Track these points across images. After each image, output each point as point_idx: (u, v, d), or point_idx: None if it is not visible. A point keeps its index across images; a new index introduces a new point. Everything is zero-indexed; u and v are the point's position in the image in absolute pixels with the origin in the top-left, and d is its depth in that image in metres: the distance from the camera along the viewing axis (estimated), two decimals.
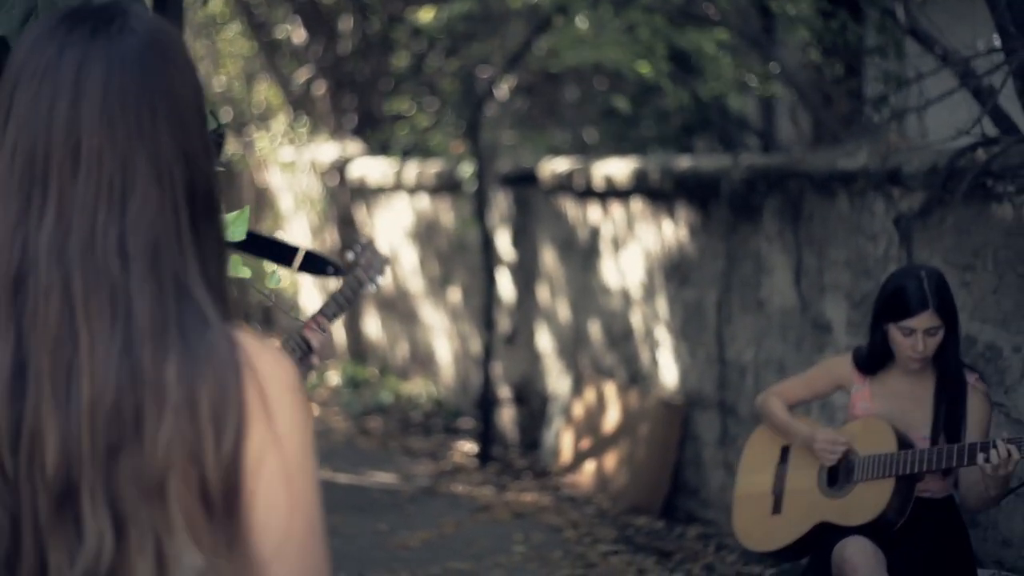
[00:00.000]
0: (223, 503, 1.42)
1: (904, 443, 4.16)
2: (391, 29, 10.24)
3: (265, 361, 1.45)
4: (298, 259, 3.94)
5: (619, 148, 8.31)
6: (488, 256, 7.66)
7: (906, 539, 4.15)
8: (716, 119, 7.94)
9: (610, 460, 6.97)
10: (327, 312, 3.88)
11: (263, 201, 12.34)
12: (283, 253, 3.99)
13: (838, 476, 4.31)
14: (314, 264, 3.95)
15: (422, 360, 9.54)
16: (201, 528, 1.42)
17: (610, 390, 7.09)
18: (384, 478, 7.67)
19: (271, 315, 12.64)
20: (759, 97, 7.73)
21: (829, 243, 5.54)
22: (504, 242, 8.10)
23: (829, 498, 4.31)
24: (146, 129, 1.48)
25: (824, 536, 4.24)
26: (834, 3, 6.59)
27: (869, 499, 4.19)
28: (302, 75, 11.01)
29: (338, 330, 10.91)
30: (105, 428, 1.41)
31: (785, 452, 4.47)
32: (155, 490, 1.41)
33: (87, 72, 1.48)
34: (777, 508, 4.46)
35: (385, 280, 4.08)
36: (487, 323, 7.68)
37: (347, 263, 4.04)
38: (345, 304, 3.93)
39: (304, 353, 3.78)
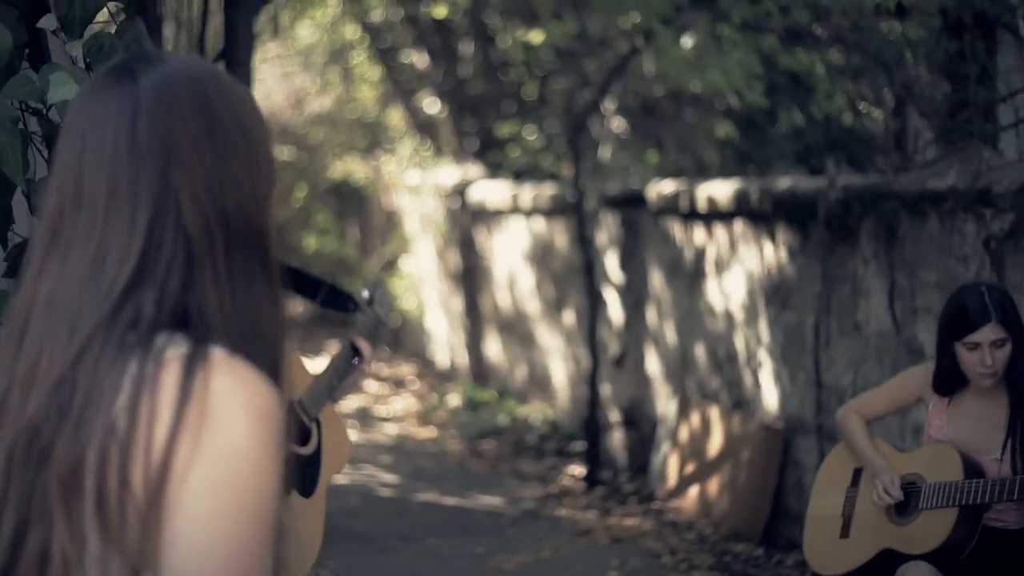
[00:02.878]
0: (146, 510, 1.42)
1: (972, 470, 4.04)
2: (511, 51, 10.28)
3: (224, 382, 1.45)
4: (322, 294, 3.99)
5: (742, 171, 8.21)
6: (591, 278, 7.61)
7: (974, 570, 4.02)
8: (843, 139, 7.79)
9: (713, 485, 6.87)
10: (365, 337, 3.93)
11: (391, 224, 12.46)
12: (308, 286, 4.05)
13: (907, 503, 4.21)
14: (337, 299, 4.00)
15: (539, 382, 9.52)
16: (124, 535, 1.43)
17: (714, 414, 6.99)
18: (490, 501, 7.66)
19: (400, 337, 12.74)
20: (890, 116, 7.57)
21: (921, 265, 5.39)
22: (612, 264, 8.05)
23: (895, 525, 4.25)
24: (150, 166, 1.52)
25: (888, 563, 4.15)
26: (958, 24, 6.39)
27: (932, 528, 4.11)
28: (424, 98, 11.09)
29: (460, 352, 10.95)
30: (31, 437, 1.47)
31: (858, 474, 4.39)
32: (71, 493, 1.44)
33: (98, 122, 1.53)
34: (845, 532, 4.39)
35: (391, 321, 4.14)
36: (592, 346, 7.63)
37: (367, 300, 4.08)
38: (371, 335, 3.98)
39: (354, 358, 3.84)
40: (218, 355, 1.48)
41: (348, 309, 4.04)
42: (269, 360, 1.55)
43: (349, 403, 10.74)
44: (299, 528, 3.70)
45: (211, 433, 1.43)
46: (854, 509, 4.38)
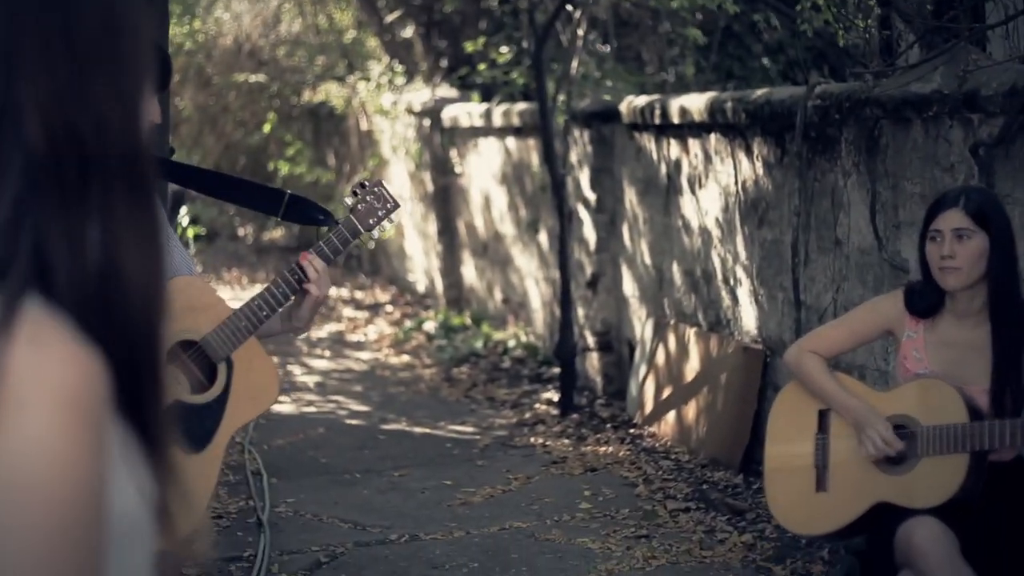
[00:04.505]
0: None
1: (974, 412, 3.66)
2: None
3: (28, 355, 1.14)
4: (283, 206, 3.67)
5: (724, 87, 7.87)
6: (560, 198, 7.28)
7: (977, 513, 3.64)
8: (828, 52, 7.45)
9: (690, 410, 6.59)
10: (320, 254, 3.62)
11: (367, 147, 12.11)
12: (269, 200, 3.72)
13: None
14: (302, 212, 3.68)
15: (515, 306, 9.22)
16: None
17: (691, 336, 6.70)
18: (461, 430, 7.39)
19: (377, 261, 12.44)
20: (875, 23, 7.19)
21: (904, 176, 5.06)
22: (585, 182, 7.72)
23: (888, 475, 3.79)
24: None
25: (884, 517, 3.73)
26: None
27: (938, 478, 3.67)
28: (396, 18, 10.71)
29: (436, 276, 10.65)
30: None
31: (824, 417, 3.98)
32: None
33: None
34: (822, 485, 3.93)
35: (389, 226, 3.79)
36: (563, 267, 7.31)
37: (345, 207, 3.75)
38: (337, 250, 3.66)
39: (299, 282, 3.53)
40: (31, 317, 1.16)
41: (317, 222, 3.73)
42: (134, 323, 1.23)
43: (322, 330, 10.45)
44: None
45: (6, 417, 1.13)
46: (828, 458, 3.92)
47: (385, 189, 3.78)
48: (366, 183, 3.80)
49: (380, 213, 3.75)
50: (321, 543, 5.54)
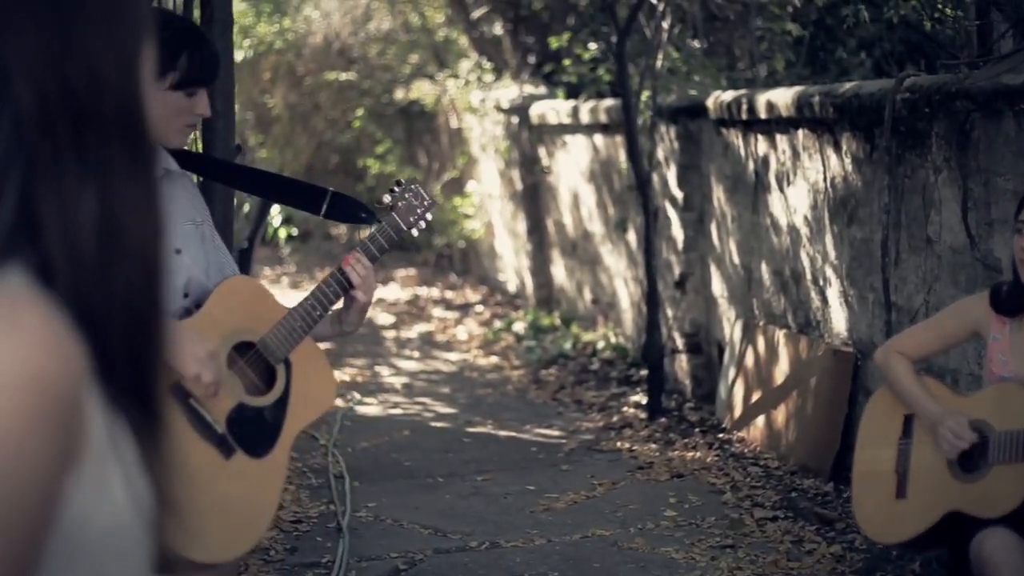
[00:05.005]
0: None
1: None
2: None
3: None
4: (325, 204, 3.58)
5: (816, 82, 7.66)
6: (645, 196, 7.13)
7: None
8: (922, 44, 7.23)
9: (779, 415, 6.41)
10: (366, 252, 3.53)
11: (456, 145, 12.04)
12: (313, 198, 3.64)
13: (972, 455, 3.66)
14: (345, 210, 3.60)
15: (604, 307, 9.09)
16: None
17: (780, 338, 6.52)
18: (547, 433, 7.27)
19: (468, 261, 12.36)
20: (971, 13, 6.96)
21: (997, 171, 4.85)
22: (672, 180, 7.57)
23: (961, 482, 3.65)
24: None
25: (958, 527, 3.58)
26: None
27: (1008, 486, 3.51)
28: (478, 13, 10.62)
29: (526, 276, 10.54)
30: None
31: (909, 423, 3.84)
32: None
33: None
34: (902, 491, 3.79)
35: (427, 223, 3.70)
36: (649, 267, 7.16)
37: (385, 206, 3.66)
38: (382, 248, 3.57)
39: (344, 289, 3.46)
40: (6, 290, 1.08)
41: (359, 220, 3.65)
42: (134, 286, 1.15)
43: (412, 330, 10.40)
44: (241, 495, 3.29)
45: None
46: (909, 464, 3.79)
47: (421, 187, 3.72)
48: (402, 181, 3.73)
49: (419, 211, 3.69)
50: (400, 549, 5.46)
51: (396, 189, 3.71)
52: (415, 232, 3.69)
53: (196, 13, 4.56)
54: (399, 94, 12.90)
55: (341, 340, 9.92)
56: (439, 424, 7.63)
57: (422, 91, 12.28)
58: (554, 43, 9.24)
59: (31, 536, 1.08)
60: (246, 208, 10.34)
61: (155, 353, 1.21)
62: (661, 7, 7.16)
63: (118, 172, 1.16)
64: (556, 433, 7.25)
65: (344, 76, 12.99)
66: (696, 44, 8.18)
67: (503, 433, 7.31)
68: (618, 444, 6.90)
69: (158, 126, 3.33)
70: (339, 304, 3.55)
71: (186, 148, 3.65)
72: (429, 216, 3.74)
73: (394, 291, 12.32)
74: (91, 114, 1.15)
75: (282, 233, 12.83)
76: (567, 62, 9.20)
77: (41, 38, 1.14)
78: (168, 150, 3.53)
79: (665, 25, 7.25)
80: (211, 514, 3.21)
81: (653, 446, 6.79)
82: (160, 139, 3.39)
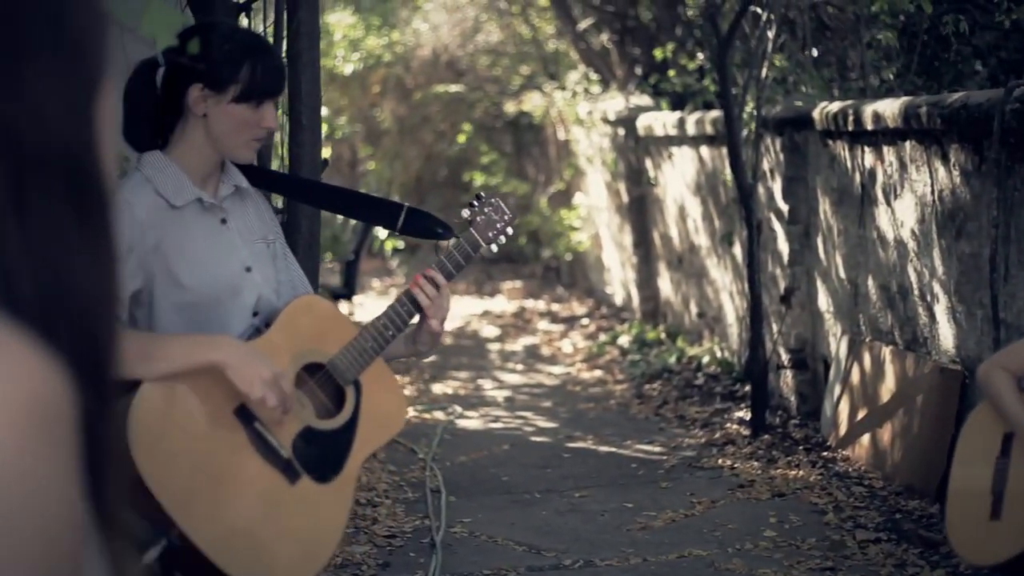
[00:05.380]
0: None
1: None
2: None
3: None
4: (401, 219, 3.52)
5: (928, 92, 7.45)
6: (748, 208, 6.99)
7: None
8: None
9: (885, 434, 6.24)
10: (442, 270, 3.46)
11: (563, 156, 11.97)
12: (388, 213, 3.58)
13: None
14: (421, 225, 3.53)
15: (710, 320, 8.95)
16: None
17: (887, 355, 6.34)
18: (648, 449, 7.16)
19: (575, 273, 12.28)
20: None
21: None
22: (777, 192, 7.42)
23: None
24: None
25: None
26: None
27: None
28: (585, 24, 10.54)
29: (632, 288, 10.44)
30: None
31: (1008, 441, 3.68)
32: None
33: None
34: (996, 512, 3.66)
35: (507, 238, 3.62)
36: (751, 280, 7.02)
37: (463, 221, 3.59)
38: (458, 265, 3.50)
39: (410, 312, 3.39)
40: None
41: (436, 236, 3.58)
42: (80, 347, 1.08)
43: (516, 343, 10.34)
44: (306, 521, 3.22)
45: None
46: (1006, 484, 3.65)
47: (501, 201, 3.63)
48: (482, 195, 3.65)
49: (499, 225, 3.60)
50: (493, 566, 5.39)
51: (475, 203, 3.63)
52: (494, 248, 3.61)
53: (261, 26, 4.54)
54: (508, 106, 12.86)
55: (439, 354, 9.93)
56: (539, 439, 7.55)
57: (531, 103, 12.23)
58: (659, 54, 9.13)
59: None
60: (352, 221, 10.37)
61: (106, 411, 1.13)
62: (766, 16, 7.01)
63: (62, 226, 1.07)
64: (657, 449, 7.14)
65: (453, 88, 12.98)
66: (805, 54, 8.02)
67: (603, 448, 7.22)
68: (720, 461, 6.76)
69: (223, 141, 3.29)
70: (415, 321, 3.48)
71: (267, 166, 3.61)
72: (510, 231, 3.66)
73: (501, 303, 12.28)
74: (33, 161, 1.06)
75: (389, 245, 12.85)
76: (672, 73, 9.09)
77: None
78: (239, 167, 3.49)
79: (770, 35, 7.10)
80: (274, 541, 3.16)
81: (755, 464, 6.65)
82: (227, 154, 3.34)
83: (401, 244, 13.36)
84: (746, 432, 7.15)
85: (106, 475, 1.13)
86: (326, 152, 13.09)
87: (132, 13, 2.50)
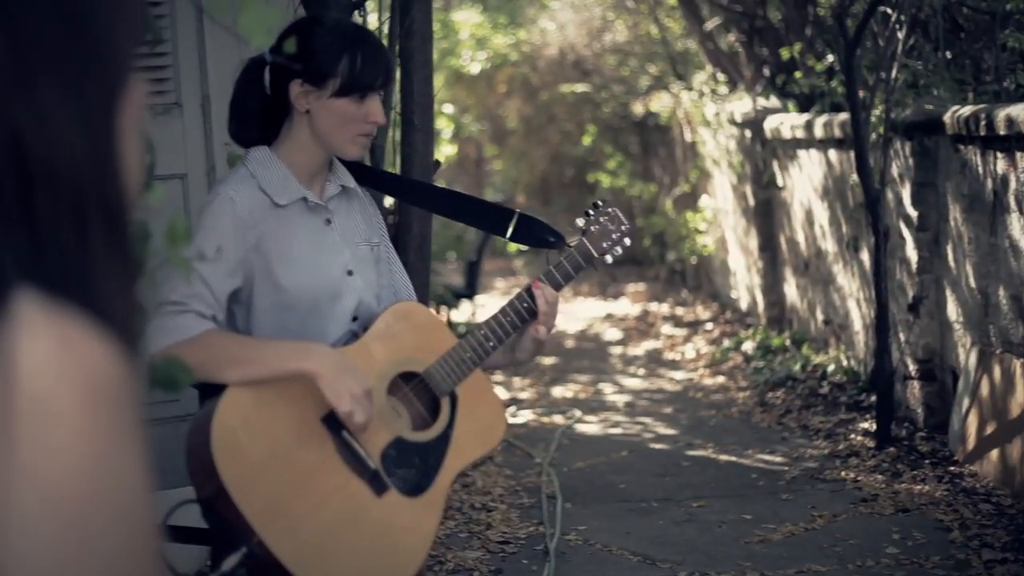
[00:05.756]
0: None
1: None
2: None
3: (41, 346, 0.93)
4: (511, 226, 3.43)
5: None
6: (875, 214, 6.80)
7: None
8: None
9: (1015, 450, 6.02)
10: (551, 280, 3.37)
11: (689, 158, 11.82)
12: (498, 219, 3.50)
13: None
14: (532, 233, 3.44)
15: (836, 328, 8.74)
16: None
17: (1017, 368, 6.12)
18: (769, 459, 7.00)
19: (700, 277, 12.12)
20: None
21: None
22: (906, 198, 7.21)
23: None
24: None
25: None
26: None
27: None
28: (712, 24, 10.37)
29: (757, 294, 10.25)
30: None
31: None
32: None
33: None
34: None
35: (623, 250, 3.50)
36: (878, 288, 6.83)
37: (577, 229, 3.49)
38: (568, 275, 3.40)
39: (528, 312, 3.29)
40: (28, 305, 0.95)
41: (547, 244, 3.49)
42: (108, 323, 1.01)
43: (639, 347, 10.22)
44: (391, 535, 3.14)
45: (29, 428, 0.92)
46: None
47: (618, 211, 3.51)
48: (599, 203, 3.54)
49: (614, 236, 3.48)
50: None
51: (591, 212, 3.53)
52: (608, 259, 3.50)
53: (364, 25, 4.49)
54: (634, 107, 12.74)
55: (560, 357, 9.85)
56: (658, 445, 7.43)
57: (658, 104, 12.09)
58: (785, 54, 8.94)
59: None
60: None
61: None
62: (895, 17, 6.81)
63: (71, 245, 0.99)
64: (778, 459, 6.98)
65: (579, 88, 12.88)
66: (937, 56, 7.79)
67: (723, 457, 7.08)
68: (842, 474, 6.59)
69: (328, 137, 3.23)
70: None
71: (375, 166, 3.55)
72: (627, 242, 3.54)
73: (624, 306, 12.17)
74: (40, 176, 0.97)
75: (512, 246, 12.80)
76: (799, 74, 8.90)
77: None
78: (348, 167, 3.44)
79: (900, 36, 6.90)
80: (357, 554, 3.09)
81: (879, 477, 6.46)
82: (333, 150, 3.28)
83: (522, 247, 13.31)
84: (871, 444, 6.96)
85: None
86: (452, 151, 13.12)
87: (228, 10, 2.45)
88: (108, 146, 1.01)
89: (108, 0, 1.02)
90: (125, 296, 1.02)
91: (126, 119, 1.04)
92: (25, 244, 0.97)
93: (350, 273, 3.29)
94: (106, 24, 1.01)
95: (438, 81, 12.45)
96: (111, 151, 1.01)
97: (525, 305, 3.33)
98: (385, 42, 4.45)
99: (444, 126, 11.85)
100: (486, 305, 11.03)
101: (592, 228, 3.47)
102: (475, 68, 13.45)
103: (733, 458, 7.05)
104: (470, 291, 10.10)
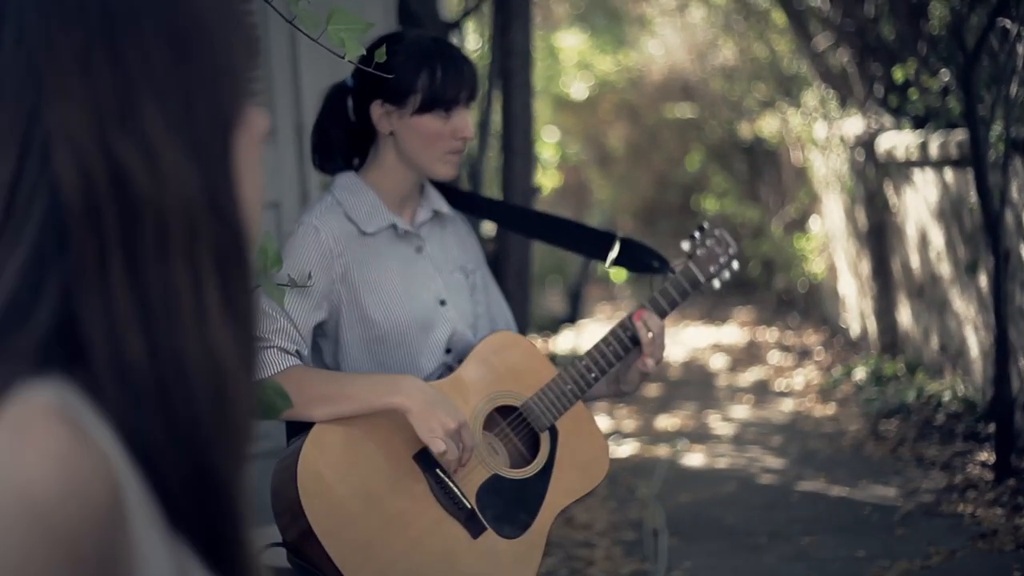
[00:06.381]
0: None
1: None
2: None
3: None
4: (614, 251, 3.27)
5: None
6: (996, 236, 6.53)
7: None
8: None
9: None
10: (655, 307, 3.19)
11: (800, 181, 11.57)
12: (599, 243, 3.33)
13: None
14: (634, 257, 3.26)
15: (953, 355, 8.44)
16: None
17: None
18: (883, 493, 6.74)
19: (810, 302, 11.85)
20: None
21: None
22: None
23: None
24: (9, 98, 0.89)
25: None
26: None
27: None
28: (822, 42, 10.13)
29: (869, 319, 9.97)
30: None
31: None
32: None
33: None
34: None
35: (732, 273, 3.31)
36: (998, 313, 6.55)
37: (683, 253, 3.31)
38: (674, 302, 3.21)
39: (626, 349, 3.12)
40: (30, 400, 0.86)
41: (651, 269, 3.31)
42: (198, 424, 0.91)
43: (746, 375, 9.99)
44: None
45: None
46: None
47: (725, 232, 3.32)
48: (704, 225, 3.35)
49: (722, 259, 3.30)
50: None
51: (696, 235, 3.35)
52: (716, 284, 3.32)
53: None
54: (742, 129, 12.51)
55: (665, 386, 9.64)
56: (767, 478, 7.20)
57: (766, 126, 11.85)
58: (899, 74, 8.67)
59: None
60: None
61: (226, 502, 0.94)
62: (1016, 31, 6.54)
63: (180, 289, 0.90)
64: (892, 493, 6.71)
65: (686, 113, 12.68)
66: None
67: (835, 491, 6.83)
68: (960, 508, 6.31)
69: (415, 158, 3.08)
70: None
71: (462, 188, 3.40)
72: (735, 266, 3.36)
73: (731, 333, 11.92)
74: (147, 210, 0.89)
75: (617, 273, 12.63)
76: (913, 93, 8.63)
77: (94, 113, 0.88)
78: (443, 191, 3.29)
79: (1021, 50, 6.63)
80: None
81: (999, 511, 6.18)
82: (423, 171, 3.12)
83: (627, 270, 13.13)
84: (989, 476, 6.66)
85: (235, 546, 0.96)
86: (556, 178, 12.98)
87: (318, 25, 2.34)
88: (224, 180, 0.91)
89: (218, 19, 0.93)
90: (241, 349, 0.92)
91: (243, 149, 0.96)
92: (124, 296, 0.86)
93: (443, 303, 3.14)
94: (217, 46, 0.92)
95: (542, 107, 12.35)
96: (227, 186, 0.92)
97: (629, 334, 3.16)
98: (484, 62, 4.31)
99: (549, 154, 11.73)
100: (589, 330, 10.86)
101: (698, 251, 3.29)
102: (579, 93, 13.31)
103: (845, 491, 6.80)
104: (572, 317, 9.94)
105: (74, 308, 0.86)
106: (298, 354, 2.96)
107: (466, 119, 3.07)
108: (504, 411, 3.11)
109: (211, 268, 0.91)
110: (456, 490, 2.94)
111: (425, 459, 2.94)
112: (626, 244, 3.30)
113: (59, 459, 0.84)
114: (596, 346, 3.17)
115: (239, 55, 0.96)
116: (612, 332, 3.18)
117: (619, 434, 8.35)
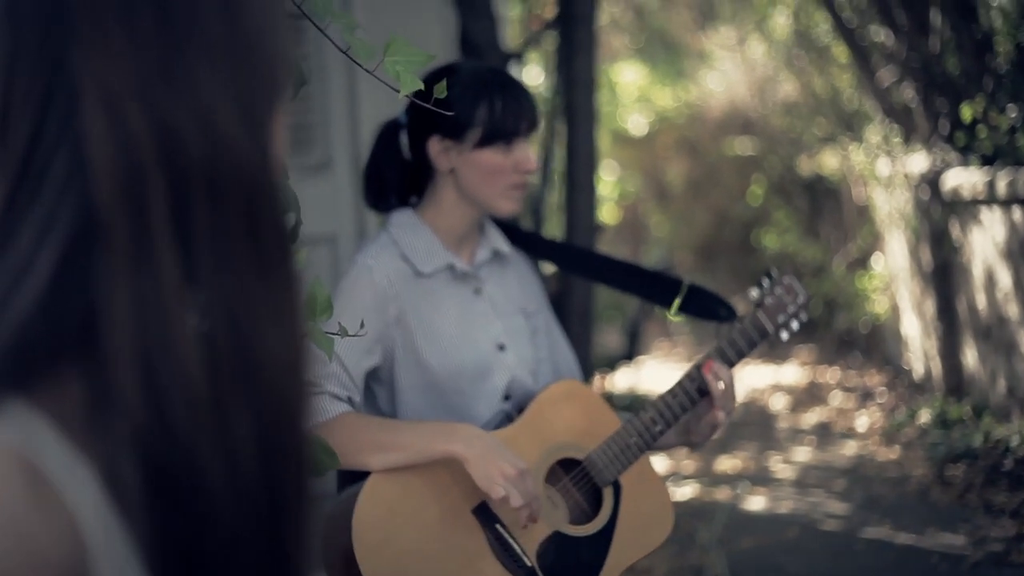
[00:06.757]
0: None
1: None
2: (992, 19, 8.96)
3: None
4: (679, 298, 3.13)
5: None
6: None
7: None
8: None
9: None
10: (722, 357, 3.05)
11: (862, 219, 11.38)
12: (664, 289, 3.19)
13: None
14: (701, 304, 3.12)
15: (1021, 397, 8.22)
16: None
17: None
18: (950, 541, 6.53)
19: (873, 343, 11.63)
20: None
21: None
22: None
23: None
24: (32, 42, 0.80)
25: None
26: None
27: None
28: (886, 77, 9.96)
29: (934, 361, 9.75)
30: None
31: None
32: None
33: None
34: None
35: (801, 324, 3.16)
36: None
37: (751, 301, 3.17)
38: (742, 353, 3.07)
39: (693, 400, 2.98)
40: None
41: (718, 318, 3.17)
42: (262, 440, 0.81)
43: (807, 417, 9.80)
44: None
45: None
46: None
47: (794, 280, 3.18)
48: (773, 273, 3.21)
49: (790, 309, 3.15)
50: None
51: (765, 283, 3.21)
52: (784, 335, 3.17)
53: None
54: (803, 165, 12.33)
55: (728, 428, 9.45)
56: (830, 524, 7.01)
57: (827, 162, 11.68)
58: (967, 113, 8.49)
59: None
60: None
61: (293, 545, 0.84)
62: None
63: (239, 263, 0.79)
64: (960, 541, 6.51)
65: (744, 149, 12.53)
66: None
67: (901, 538, 6.63)
68: None
69: (477, 194, 2.95)
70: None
71: (523, 227, 3.27)
72: (804, 316, 3.21)
73: (791, 372, 11.73)
74: (200, 175, 0.77)
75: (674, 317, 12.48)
76: (981, 130, 8.44)
77: (134, 66, 0.77)
78: (504, 229, 3.17)
79: None
80: None
81: None
82: (485, 207, 2.99)
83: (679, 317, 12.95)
84: None
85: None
86: (614, 214, 12.84)
87: (373, 56, 2.22)
88: (268, 153, 0.82)
89: (262, 1, 0.85)
90: (294, 356, 0.83)
91: (280, 129, 0.87)
92: (172, 280, 0.74)
93: (502, 348, 3.01)
94: (264, 25, 0.84)
95: (601, 143, 12.23)
96: (270, 160, 0.82)
97: (696, 385, 3.02)
98: (548, 95, 4.19)
99: (609, 191, 11.59)
100: (647, 368, 10.70)
101: (767, 300, 3.15)
102: (638, 128, 13.19)
103: (911, 539, 6.60)
104: (630, 355, 9.78)
105: (87, 297, 0.74)
106: (350, 400, 2.83)
107: (528, 152, 2.94)
108: (565, 464, 2.97)
109: (266, 247, 0.79)
110: (516, 547, 2.80)
111: (485, 513, 2.80)
112: (693, 291, 3.16)
113: (11, 521, 0.72)
114: (662, 397, 3.04)
115: (282, 35, 0.86)
116: (679, 383, 3.04)
117: (678, 475, 8.18)
